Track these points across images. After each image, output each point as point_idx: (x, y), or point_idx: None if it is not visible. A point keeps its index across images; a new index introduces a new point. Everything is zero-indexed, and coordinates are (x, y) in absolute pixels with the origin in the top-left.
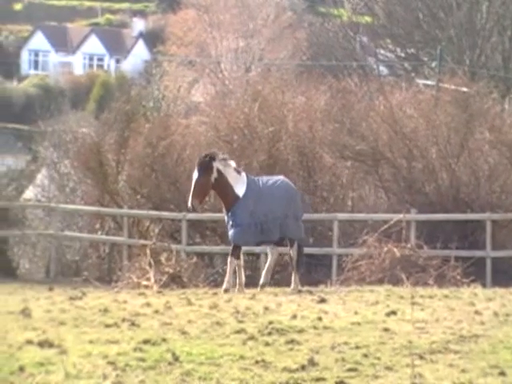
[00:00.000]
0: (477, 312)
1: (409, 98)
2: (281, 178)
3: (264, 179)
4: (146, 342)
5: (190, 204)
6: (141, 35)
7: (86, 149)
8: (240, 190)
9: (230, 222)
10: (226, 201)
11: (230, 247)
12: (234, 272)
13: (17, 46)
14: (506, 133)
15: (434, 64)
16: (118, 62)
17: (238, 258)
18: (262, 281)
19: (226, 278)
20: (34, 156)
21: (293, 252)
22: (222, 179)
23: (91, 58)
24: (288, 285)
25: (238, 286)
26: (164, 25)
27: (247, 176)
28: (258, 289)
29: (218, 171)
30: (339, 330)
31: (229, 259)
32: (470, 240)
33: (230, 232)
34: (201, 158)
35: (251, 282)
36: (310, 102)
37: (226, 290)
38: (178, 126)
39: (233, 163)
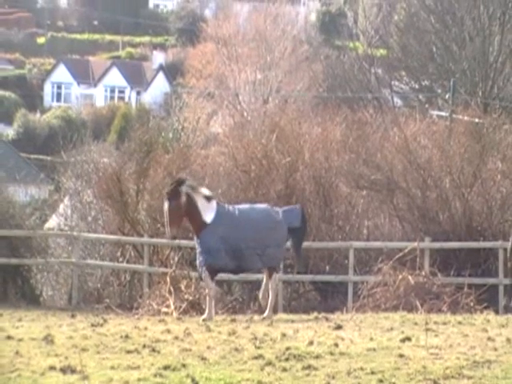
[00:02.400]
0: (490, 338)
1: (423, 129)
2: (263, 206)
3: (242, 207)
4: (166, 367)
5: (168, 234)
6: (161, 68)
7: (107, 178)
8: (208, 216)
9: (199, 249)
10: (194, 226)
11: (202, 275)
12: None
13: (40, 78)
14: None
15: (447, 96)
16: (138, 94)
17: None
18: (267, 314)
19: (207, 310)
20: (57, 186)
21: (272, 282)
22: (191, 204)
23: (112, 90)
24: (305, 312)
25: (207, 314)
26: (184, 58)
27: (218, 204)
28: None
29: (187, 195)
30: (355, 355)
31: (205, 286)
32: (482, 268)
33: (200, 258)
34: (168, 186)
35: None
36: (326, 132)
37: (205, 320)
38: (197, 156)
39: (204, 191)
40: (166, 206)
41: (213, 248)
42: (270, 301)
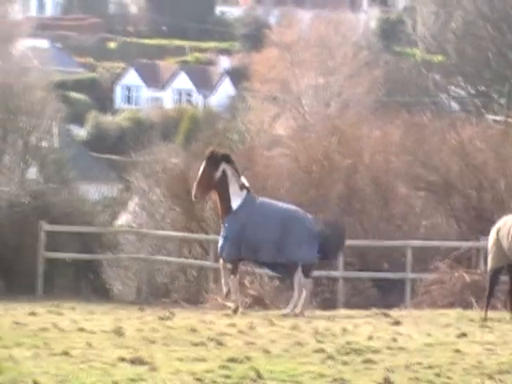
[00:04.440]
0: None
1: (479, 133)
2: (290, 206)
3: (268, 200)
4: (231, 360)
5: (193, 193)
6: (227, 72)
7: (174, 178)
8: (235, 202)
9: (222, 233)
10: (221, 207)
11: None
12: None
13: (111, 81)
14: None
15: (503, 100)
16: (205, 97)
17: (234, 274)
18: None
19: (233, 297)
20: (127, 185)
21: (296, 277)
22: (224, 182)
23: (180, 94)
24: (365, 307)
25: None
26: (248, 62)
27: (248, 193)
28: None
29: (224, 172)
30: (413, 350)
31: (223, 273)
32: None
33: (219, 243)
34: (212, 151)
35: (330, 304)
36: (386, 135)
37: (235, 311)
38: (261, 157)
39: (243, 179)
40: (202, 167)
41: (233, 237)
42: (295, 298)
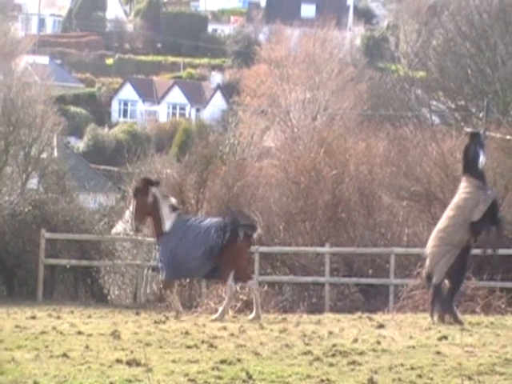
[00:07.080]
0: None
1: (459, 145)
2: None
3: (199, 219)
4: (222, 361)
5: (132, 227)
6: (218, 87)
7: (169, 188)
8: (167, 226)
9: (157, 256)
10: (155, 231)
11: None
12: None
13: (108, 96)
14: None
15: (481, 114)
16: (198, 111)
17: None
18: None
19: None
20: (123, 194)
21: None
22: (156, 206)
23: (174, 108)
24: (350, 311)
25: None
26: (239, 78)
27: (178, 215)
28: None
29: (154, 197)
30: (396, 352)
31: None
32: None
33: (159, 264)
34: (138, 181)
35: (317, 309)
36: (370, 147)
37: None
38: (251, 168)
39: (172, 200)
40: (133, 201)
41: (165, 261)
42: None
